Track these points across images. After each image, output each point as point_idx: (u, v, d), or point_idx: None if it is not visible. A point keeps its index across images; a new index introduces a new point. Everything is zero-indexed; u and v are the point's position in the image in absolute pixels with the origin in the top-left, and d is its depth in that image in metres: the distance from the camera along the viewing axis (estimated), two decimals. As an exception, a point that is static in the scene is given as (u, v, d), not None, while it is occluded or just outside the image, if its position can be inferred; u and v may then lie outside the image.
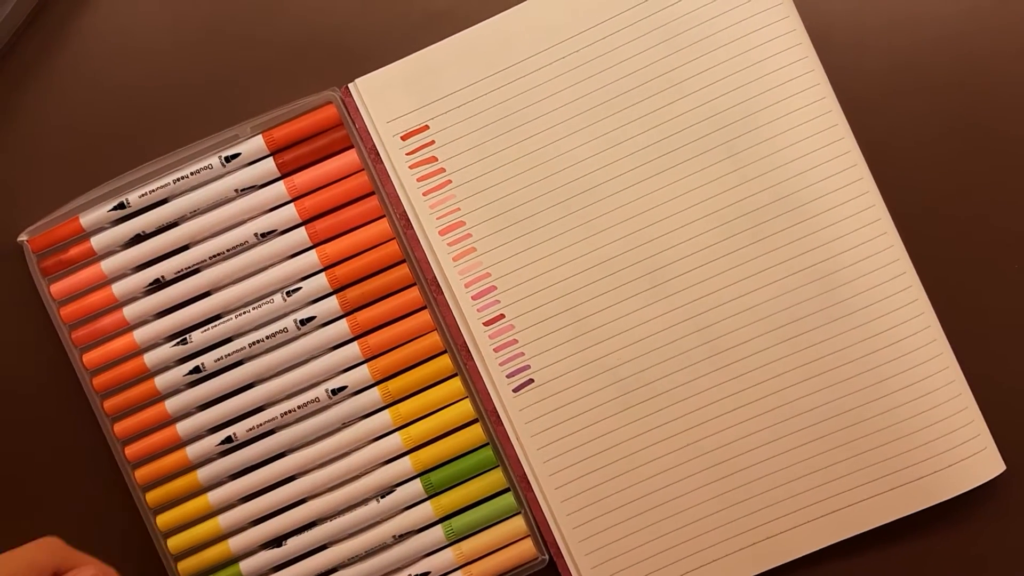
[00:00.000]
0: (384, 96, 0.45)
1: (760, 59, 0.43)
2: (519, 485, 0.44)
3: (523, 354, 0.44)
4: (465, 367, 0.45)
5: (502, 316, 0.44)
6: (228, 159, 0.44)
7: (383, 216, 0.44)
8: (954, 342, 0.43)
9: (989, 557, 0.44)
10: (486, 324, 0.45)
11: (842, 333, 0.43)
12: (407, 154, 0.45)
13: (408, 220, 0.45)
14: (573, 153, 0.44)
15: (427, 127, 0.45)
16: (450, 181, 0.45)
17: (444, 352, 0.44)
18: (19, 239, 0.45)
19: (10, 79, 0.46)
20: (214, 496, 0.44)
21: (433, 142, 0.45)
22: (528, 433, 0.44)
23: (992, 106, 0.44)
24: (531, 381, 0.44)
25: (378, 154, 0.45)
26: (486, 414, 0.44)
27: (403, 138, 0.45)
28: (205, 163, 0.44)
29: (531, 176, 0.44)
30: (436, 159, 0.45)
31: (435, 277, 0.45)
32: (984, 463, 0.42)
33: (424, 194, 0.45)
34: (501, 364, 0.44)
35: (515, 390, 0.44)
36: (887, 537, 0.44)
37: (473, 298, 0.45)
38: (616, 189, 0.44)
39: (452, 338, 0.45)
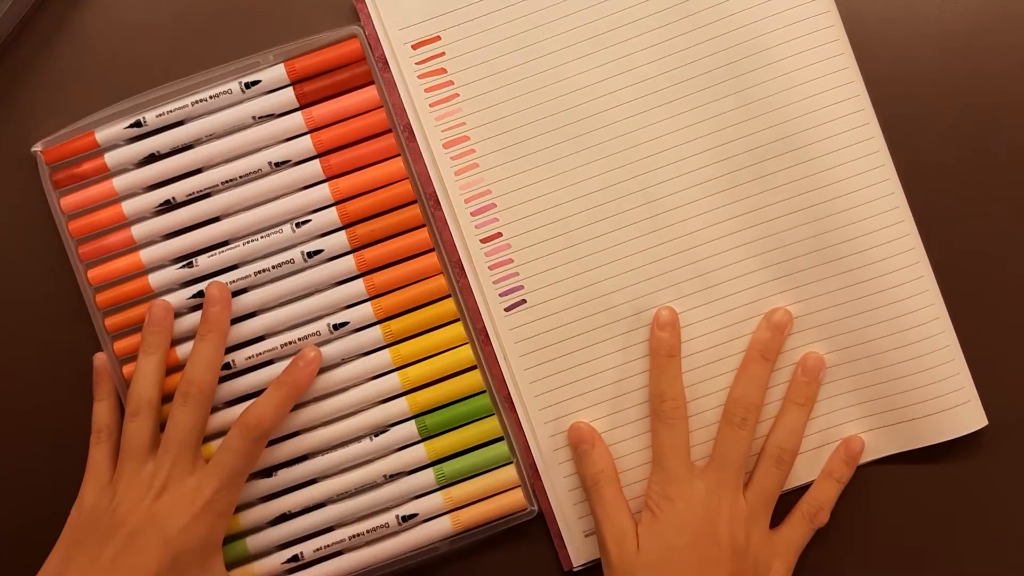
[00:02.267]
0: (398, 2, 0.44)
1: None
2: (503, 405, 0.44)
3: (517, 274, 0.44)
4: (458, 285, 0.44)
5: (499, 235, 0.44)
6: (248, 85, 0.44)
7: (398, 155, 0.44)
8: (948, 299, 0.43)
9: (965, 513, 0.45)
10: (483, 241, 0.44)
11: (835, 275, 0.43)
12: (416, 63, 0.44)
13: (412, 132, 0.44)
14: (581, 77, 0.44)
15: (439, 38, 0.44)
16: (458, 95, 0.44)
17: (449, 296, 0.44)
18: (33, 149, 0.44)
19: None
20: (210, 422, 0.44)
21: (444, 53, 0.44)
22: (516, 353, 0.44)
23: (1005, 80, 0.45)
24: (523, 302, 0.44)
25: (387, 62, 0.44)
26: (475, 332, 0.44)
27: (414, 47, 0.44)
28: (225, 87, 0.44)
29: (539, 96, 0.44)
30: (445, 71, 0.44)
31: (434, 191, 0.44)
32: (967, 415, 0.43)
33: (431, 105, 0.44)
34: (495, 283, 0.44)
35: (507, 309, 0.44)
36: (871, 480, 0.44)
37: (472, 214, 0.44)
38: (622, 116, 0.44)
39: (447, 255, 0.44)
